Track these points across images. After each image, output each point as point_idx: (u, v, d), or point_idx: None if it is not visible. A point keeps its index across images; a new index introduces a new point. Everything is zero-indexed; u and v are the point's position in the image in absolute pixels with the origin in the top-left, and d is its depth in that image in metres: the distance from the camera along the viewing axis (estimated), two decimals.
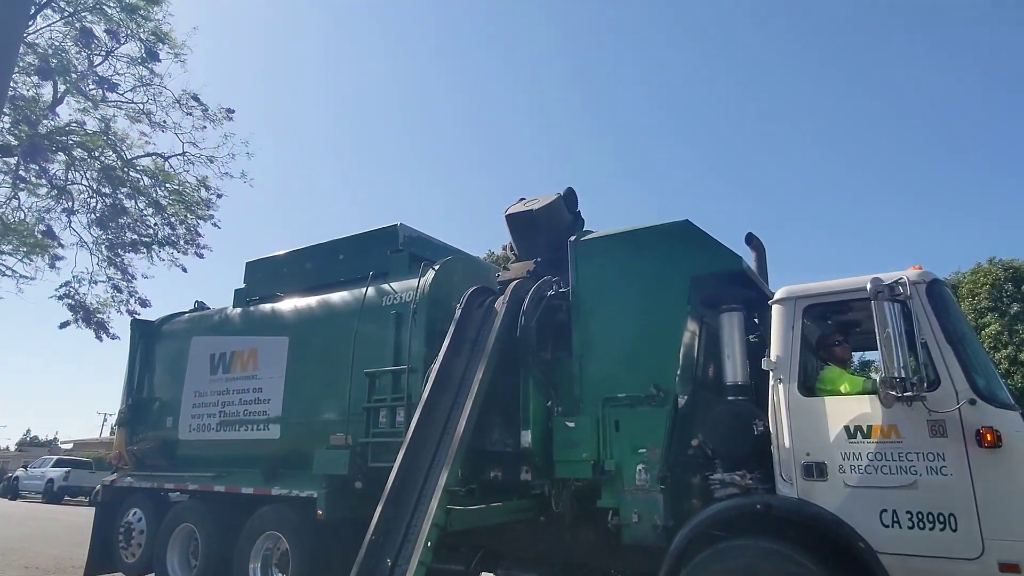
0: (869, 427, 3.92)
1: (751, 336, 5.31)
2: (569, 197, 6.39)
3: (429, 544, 4.29)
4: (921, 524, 3.66)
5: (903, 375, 3.62)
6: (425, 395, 5.29)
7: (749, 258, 6.17)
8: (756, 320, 5.35)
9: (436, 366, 5.44)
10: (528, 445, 5.21)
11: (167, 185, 11.31)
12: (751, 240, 6.26)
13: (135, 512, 7.92)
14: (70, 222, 11.17)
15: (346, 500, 6.03)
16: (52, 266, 11.04)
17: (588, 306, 5.33)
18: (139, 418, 8.18)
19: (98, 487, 8.58)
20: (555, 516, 5.25)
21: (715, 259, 4.96)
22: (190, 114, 11.42)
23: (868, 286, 3.81)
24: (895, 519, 3.73)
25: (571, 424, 5.09)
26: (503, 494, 5.47)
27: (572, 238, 5.64)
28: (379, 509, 4.65)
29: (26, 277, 11.14)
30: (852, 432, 3.96)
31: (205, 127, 11.51)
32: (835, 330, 4.90)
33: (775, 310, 4.54)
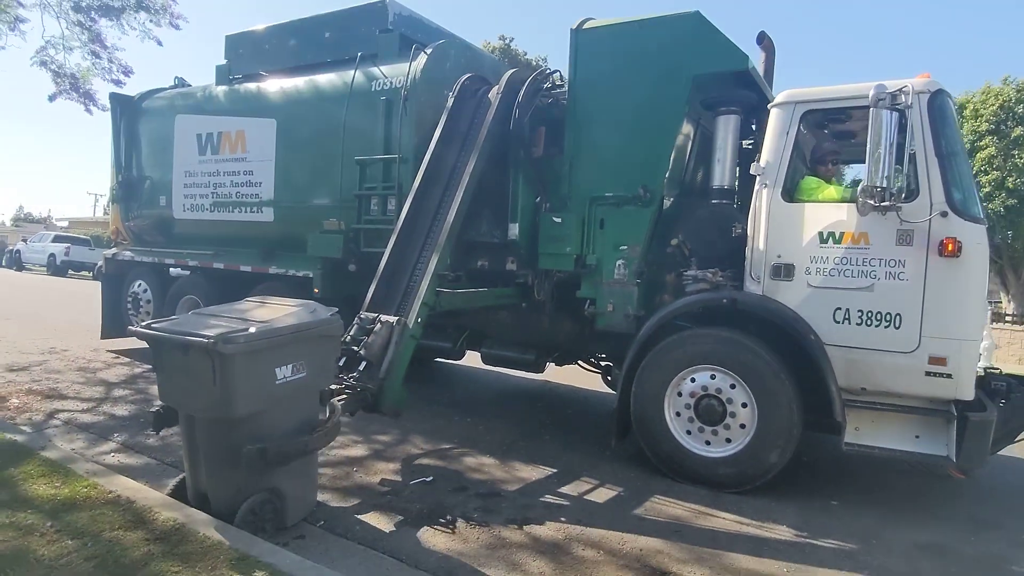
0: (841, 234, 4.09)
1: (746, 141, 5.29)
2: None
3: (420, 320, 4.61)
4: (869, 322, 3.99)
5: (884, 184, 3.70)
6: (416, 184, 5.33)
7: (758, 59, 5.91)
8: (754, 126, 5.28)
9: (427, 157, 5.41)
10: (515, 238, 5.40)
11: None
12: (763, 39, 5.93)
13: (140, 284, 8.35)
14: None
15: (340, 281, 6.38)
16: (13, 29, 10.26)
17: (583, 102, 5.18)
18: (132, 195, 8.25)
19: (101, 262, 8.94)
20: (536, 303, 5.62)
21: (720, 57, 4.73)
22: None
23: (870, 93, 3.73)
24: (846, 317, 4.06)
25: (557, 220, 5.23)
26: (489, 282, 5.80)
27: (574, 25, 5.31)
28: (372, 288, 4.92)
29: None
30: (824, 238, 4.14)
31: None
32: (831, 140, 4.87)
33: (772, 114, 4.46)
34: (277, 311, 3.48)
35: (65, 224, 47.55)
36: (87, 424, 5.01)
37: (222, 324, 3.13)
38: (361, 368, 4.26)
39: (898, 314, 3.92)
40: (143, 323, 3.28)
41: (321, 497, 3.74)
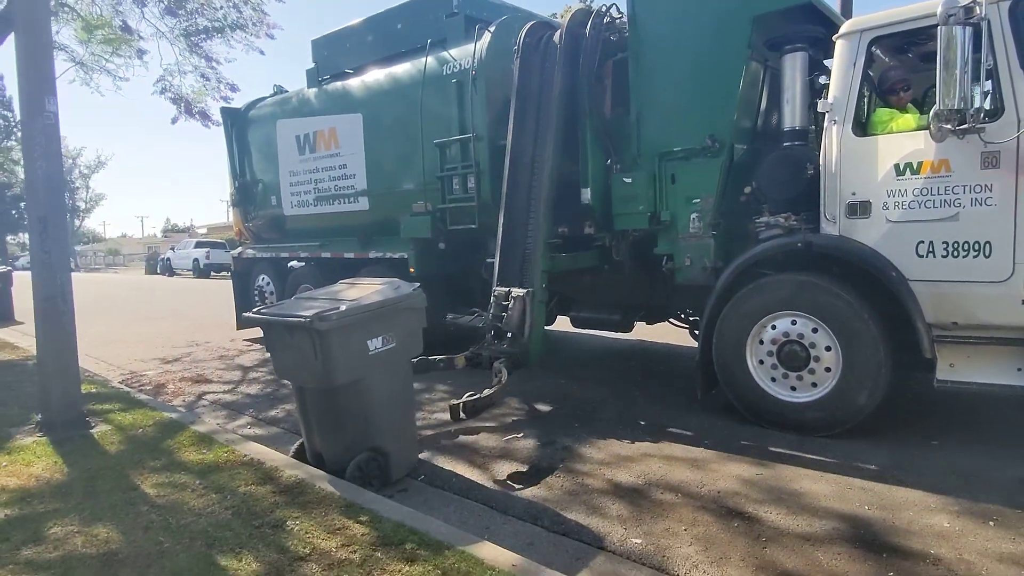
0: (919, 163, 3.87)
1: (820, 77, 5.05)
2: None
3: (544, 285, 5.28)
4: (956, 253, 3.78)
5: (961, 106, 3.47)
6: (507, 165, 5.66)
7: None
8: (826, 62, 5.03)
9: (509, 131, 5.66)
10: (588, 202, 5.52)
11: None
12: None
13: (263, 277, 9.28)
14: (143, 14, 11.37)
15: (433, 259, 6.82)
16: (139, 57, 11.52)
17: (645, 56, 5.15)
18: (248, 198, 9.14)
19: (231, 261, 10.04)
20: (616, 264, 5.74)
21: None
22: None
23: (939, 9, 3.50)
24: (930, 250, 3.86)
25: (628, 180, 5.28)
26: (570, 248, 5.97)
27: None
28: (496, 264, 5.51)
29: (121, 78, 11.78)
30: (901, 169, 3.94)
31: None
32: (903, 68, 4.55)
33: (838, 46, 4.25)
34: (365, 290, 3.88)
35: (204, 231, 52.40)
36: (228, 403, 5.78)
37: (317, 305, 3.56)
38: (508, 337, 5.18)
39: (987, 242, 3.68)
40: (253, 310, 3.79)
41: (423, 456, 4.16)
